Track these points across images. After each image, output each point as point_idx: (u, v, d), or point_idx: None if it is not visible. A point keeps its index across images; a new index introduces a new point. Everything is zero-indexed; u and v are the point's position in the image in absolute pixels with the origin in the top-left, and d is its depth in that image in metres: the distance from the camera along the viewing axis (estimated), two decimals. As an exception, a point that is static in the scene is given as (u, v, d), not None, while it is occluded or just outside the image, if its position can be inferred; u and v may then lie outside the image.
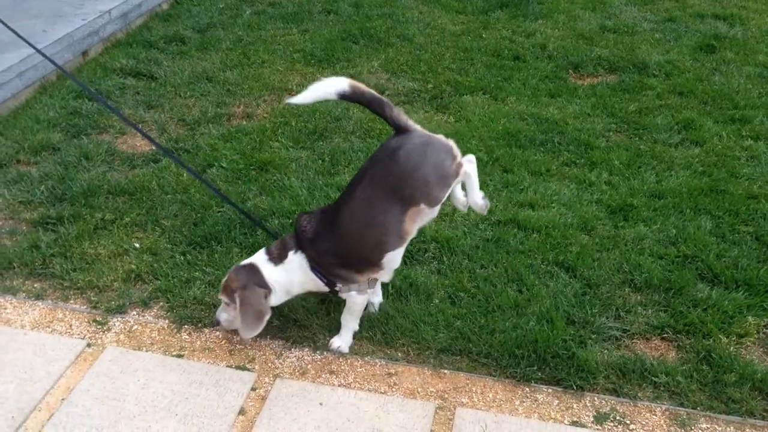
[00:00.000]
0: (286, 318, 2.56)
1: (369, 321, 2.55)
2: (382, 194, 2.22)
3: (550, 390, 2.33)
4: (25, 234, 2.93)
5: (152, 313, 2.60)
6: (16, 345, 2.42)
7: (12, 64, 3.76)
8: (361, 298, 2.39)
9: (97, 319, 2.56)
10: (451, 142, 2.28)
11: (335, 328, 2.53)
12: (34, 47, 3.05)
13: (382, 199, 2.22)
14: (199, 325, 2.55)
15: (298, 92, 3.81)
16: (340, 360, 2.44)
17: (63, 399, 2.24)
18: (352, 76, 4.38)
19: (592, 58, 4.83)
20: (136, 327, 2.54)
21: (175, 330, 2.54)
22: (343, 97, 2.24)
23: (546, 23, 5.50)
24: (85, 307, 2.61)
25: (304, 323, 2.55)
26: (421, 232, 2.95)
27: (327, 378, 2.37)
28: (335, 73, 4.50)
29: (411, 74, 4.51)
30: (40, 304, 2.61)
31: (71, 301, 2.63)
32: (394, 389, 2.33)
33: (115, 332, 2.52)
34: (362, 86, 2.25)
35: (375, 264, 2.31)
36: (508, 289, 2.71)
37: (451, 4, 5.80)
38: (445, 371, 2.40)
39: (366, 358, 2.45)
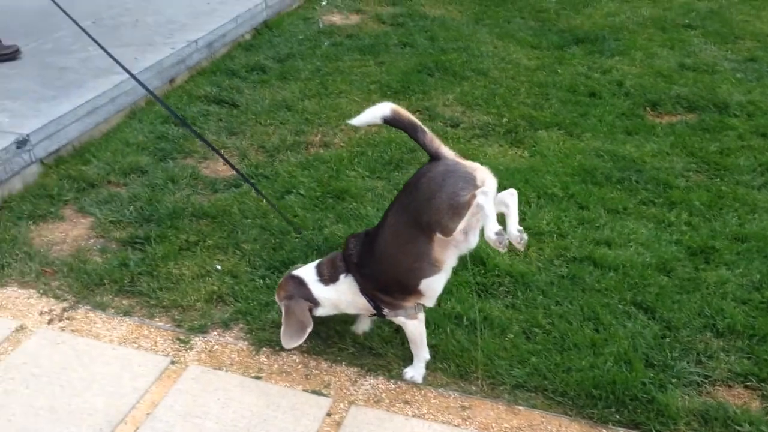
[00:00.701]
0: (361, 346, 2.60)
1: (444, 353, 2.56)
2: (409, 222, 2.25)
3: (627, 433, 2.30)
4: (115, 252, 3.05)
5: (232, 335, 2.67)
6: (105, 359, 2.52)
7: (106, 89, 3.95)
8: (412, 324, 2.42)
9: (181, 337, 2.64)
10: (478, 172, 2.21)
11: (409, 358, 2.55)
12: (129, 72, 3.21)
13: (409, 227, 2.25)
14: (277, 348, 2.61)
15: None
16: (414, 390, 2.46)
17: (148, 414, 2.32)
18: (426, 109, 4.46)
19: (671, 96, 4.77)
20: (216, 347, 2.62)
21: (254, 352, 2.60)
22: (386, 121, 2.32)
23: (623, 60, 5.47)
24: (169, 325, 2.70)
25: (379, 351, 2.58)
26: (496, 266, 2.96)
27: (401, 407, 2.39)
28: (410, 104, 4.60)
29: (486, 108, 4.54)
30: (127, 320, 2.72)
31: (156, 319, 2.73)
32: (468, 423, 2.34)
33: (197, 351, 2.60)
34: (402, 111, 2.32)
35: (413, 290, 2.34)
36: (584, 327, 2.69)
37: (526, 38, 5.82)
38: (520, 407, 2.39)
39: (440, 390, 2.46)
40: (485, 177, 2.20)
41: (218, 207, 3.36)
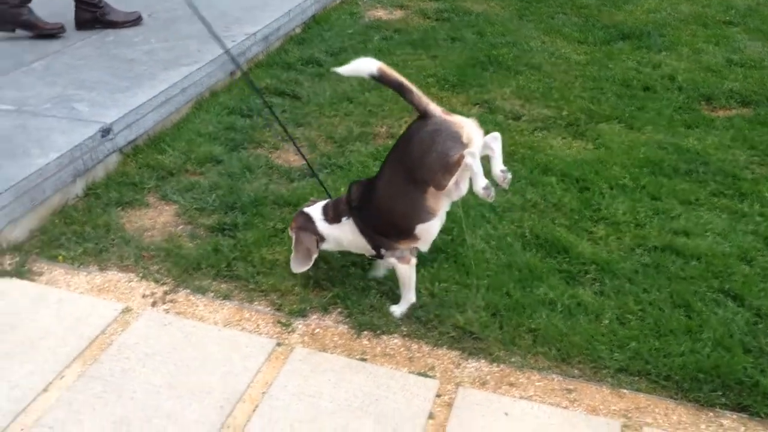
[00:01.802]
0: (461, 329, 2.65)
1: (543, 337, 2.61)
2: (402, 174, 2.48)
3: (735, 416, 2.34)
4: (205, 238, 3.11)
5: (332, 318, 2.73)
6: (213, 340, 2.58)
7: (176, 80, 4.00)
8: (403, 268, 2.64)
9: (282, 320, 2.70)
10: (464, 129, 2.38)
11: (510, 341, 2.61)
12: (227, 51, 3.26)
13: (402, 179, 2.47)
14: (378, 332, 2.66)
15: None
16: (518, 373, 2.51)
17: (263, 393, 2.37)
18: (486, 102, 4.51)
19: (724, 90, 4.81)
20: (318, 330, 2.67)
21: (355, 335, 2.66)
22: (373, 77, 2.47)
23: (670, 55, 5.51)
24: (269, 308, 2.75)
25: (479, 336, 2.63)
26: (580, 254, 3.01)
27: (507, 390, 2.45)
28: (468, 98, 4.65)
29: (544, 101, 4.59)
30: (227, 303, 2.77)
31: (256, 303, 2.78)
32: (575, 405, 2.39)
33: (299, 334, 2.65)
34: (388, 70, 2.46)
35: (409, 234, 2.57)
36: (676, 314, 2.74)
37: (572, 34, 5.86)
38: (625, 391, 2.44)
39: (543, 373, 2.51)
40: (471, 133, 2.39)
41: (298, 195, 3.41)
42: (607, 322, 2.68)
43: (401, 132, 4.14)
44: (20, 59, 4.32)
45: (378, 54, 5.26)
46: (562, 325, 2.64)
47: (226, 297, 2.79)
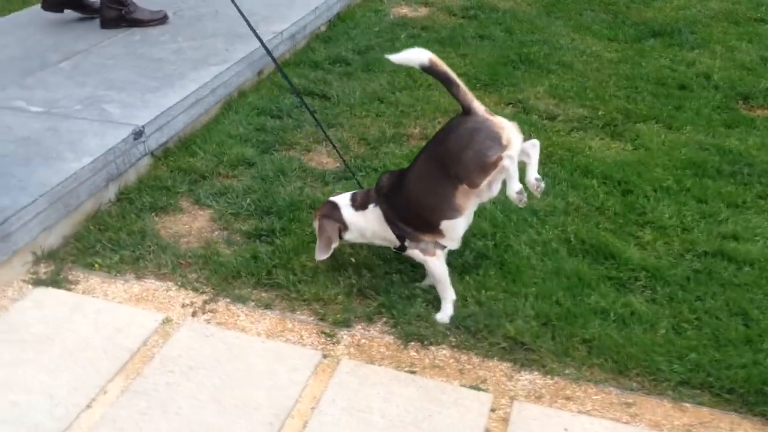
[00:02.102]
0: (513, 340, 2.56)
1: (599, 348, 2.52)
2: (436, 168, 2.47)
3: (804, 431, 2.25)
4: (242, 245, 3.03)
5: (377, 328, 2.65)
6: (256, 352, 2.50)
7: (206, 80, 3.92)
8: (431, 261, 2.61)
9: (325, 331, 2.62)
10: (505, 131, 2.36)
11: (563, 353, 2.52)
12: (265, 48, 3.19)
13: (436, 173, 2.47)
14: (425, 342, 2.58)
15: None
16: (574, 386, 2.43)
17: (312, 408, 2.29)
18: (519, 101, 4.41)
19: (761, 89, 4.71)
20: (363, 341, 2.59)
21: (402, 346, 2.57)
22: (423, 68, 2.47)
23: (703, 53, 5.40)
24: (312, 318, 2.67)
25: (531, 347, 2.55)
26: (628, 260, 2.92)
27: (563, 404, 2.36)
28: (501, 97, 4.55)
29: (579, 101, 4.49)
30: (269, 313, 2.69)
31: (298, 312, 2.70)
32: (636, 420, 2.30)
33: (345, 345, 2.57)
34: (440, 62, 2.46)
35: (435, 228, 2.55)
36: (734, 323, 2.64)
37: (602, 31, 5.76)
38: (687, 404, 2.35)
39: (600, 386, 2.42)
40: (511, 135, 2.37)
41: (335, 199, 3.32)
42: (663, 332, 2.59)
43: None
44: (46, 59, 4.25)
45: (406, 52, 5.16)
46: (617, 336, 2.55)
47: (268, 306, 2.71)
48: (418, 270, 2.83)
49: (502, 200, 3.26)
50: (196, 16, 5.11)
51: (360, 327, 2.65)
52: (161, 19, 4.93)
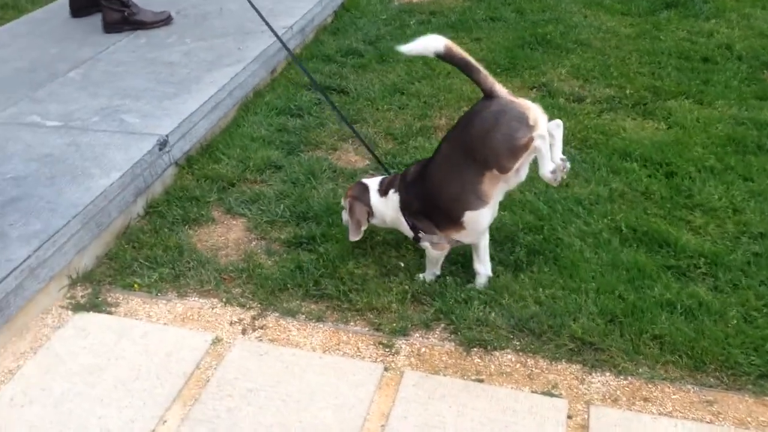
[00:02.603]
0: (581, 340, 2.46)
1: (671, 344, 2.42)
2: (461, 155, 2.38)
3: None
4: (283, 254, 2.92)
5: (436, 335, 2.54)
6: (315, 369, 2.39)
7: (224, 83, 3.78)
8: (435, 253, 2.60)
9: (383, 341, 2.51)
10: (531, 111, 2.29)
11: (634, 351, 2.43)
12: (284, 45, 3.10)
13: (461, 160, 2.39)
14: (489, 348, 2.47)
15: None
16: (650, 386, 2.33)
17: (382, 426, 2.19)
18: (544, 85, 4.28)
19: (786, 57, 4.59)
20: (423, 350, 2.49)
21: (464, 353, 2.47)
22: (439, 56, 2.38)
23: (719, 23, 5.29)
24: (366, 329, 2.57)
25: (600, 346, 2.45)
26: (684, 246, 2.81)
27: (642, 406, 2.26)
28: (524, 81, 4.43)
29: (604, 80, 4.37)
30: (321, 326, 2.58)
31: (352, 323, 2.59)
32: (720, 419, 2.21)
33: (405, 355, 2.47)
34: (456, 48, 2.38)
35: (455, 221, 2.48)
36: (805, 308, 2.54)
37: (614, 6, 5.63)
38: (769, 398, 2.25)
39: (676, 384, 2.33)
40: (537, 116, 2.30)
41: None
42: (734, 322, 2.49)
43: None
44: (54, 69, 4.10)
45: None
46: (687, 329, 2.45)
47: (319, 319, 2.59)
48: (470, 270, 2.72)
49: (543, 191, 3.17)
50: (201, 14, 4.95)
51: (418, 335, 2.54)
52: (165, 20, 4.79)
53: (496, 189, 2.43)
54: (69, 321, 2.59)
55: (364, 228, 2.67)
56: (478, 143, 2.34)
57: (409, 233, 2.62)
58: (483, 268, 2.68)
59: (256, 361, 2.42)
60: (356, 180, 2.89)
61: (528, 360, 2.43)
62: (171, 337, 2.51)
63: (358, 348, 2.50)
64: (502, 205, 3.12)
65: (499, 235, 2.96)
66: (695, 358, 2.38)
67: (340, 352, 2.47)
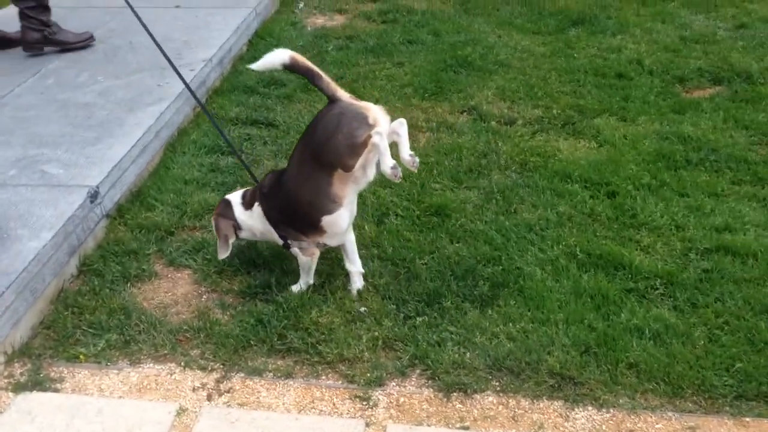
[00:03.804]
0: (560, 375, 2.44)
1: (647, 372, 2.44)
2: (310, 161, 2.49)
3: None
4: (238, 307, 2.76)
5: (413, 383, 2.46)
6: (294, 432, 2.26)
7: (149, 124, 3.57)
8: (305, 258, 2.69)
9: (359, 394, 2.41)
10: (370, 111, 2.43)
11: (612, 381, 2.43)
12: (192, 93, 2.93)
13: (311, 166, 2.49)
14: (468, 391, 2.41)
15: (429, 129, 3.77)
16: (633, 417, 2.34)
17: (376, 489, 2.08)
18: (474, 108, 4.30)
19: (692, 70, 4.84)
20: (402, 399, 2.40)
21: (444, 399, 2.40)
22: (286, 67, 2.53)
23: (625, 38, 5.51)
24: (340, 382, 2.46)
25: (578, 380, 2.44)
26: (638, 268, 2.86)
27: (630, 437, 2.25)
28: (453, 105, 4.44)
29: (530, 101, 4.44)
30: (292, 383, 2.46)
31: (323, 377, 2.48)
32: (706, 443, 2.22)
33: (384, 407, 2.38)
34: (300, 58, 2.53)
35: (315, 226, 2.59)
36: (763, 322, 2.62)
37: (525, 25, 5.77)
38: (747, 419, 2.31)
39: (657, 413, 2.35)
40: (377, 115, 2.43)
41: (322, 241, 3.09)
42: (701, 343, 2.54)
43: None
44: (-47, 117, 3.76)
45: (341, 66, 4.97)
46: (660, 355, 2.48)
47: (288, 375, 2.46)
48: (441, 310, 2.66)
49: (493, 219, 3.15)
50: (111, 49, 4.69)
51: (394, 384, 2.45)
52: (86, 40, 4.65)
53: (347, 190, 2.52)
54: (11, 404, 2.34)
55: (231, 241, 2.73)
56: (322, 146, 2.44)
57: (279, 241, 2.69)
58: (353, 266, 2.77)
59: (227, 430, 2.25)
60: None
61: (510, 401, 2.39)
62: (129, 412, 2.31)
63: (334, 404, 2.38)
64: (456, 237, 3.09)
65: (458, 269, 2.91)
66: (672, 384, 2.40)
67: (316, 410, 2.35)
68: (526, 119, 4.20)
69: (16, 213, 2.87)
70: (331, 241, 2.67)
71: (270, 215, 2.65)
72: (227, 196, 2.81)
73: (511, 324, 2.64)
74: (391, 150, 2.43)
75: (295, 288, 2.77)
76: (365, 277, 2.85)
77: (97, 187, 3.04)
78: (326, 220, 2.56)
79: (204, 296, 2.84)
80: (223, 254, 2.73)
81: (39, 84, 4.15)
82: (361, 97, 4.41)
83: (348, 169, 2.43)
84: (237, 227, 2.74)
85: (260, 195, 2.67)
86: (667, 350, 2.51)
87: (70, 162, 3.24)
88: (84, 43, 4.63)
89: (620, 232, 3.16)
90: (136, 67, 4.33)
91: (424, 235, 3.16)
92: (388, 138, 2.42)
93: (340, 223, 2.58)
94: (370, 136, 2.36)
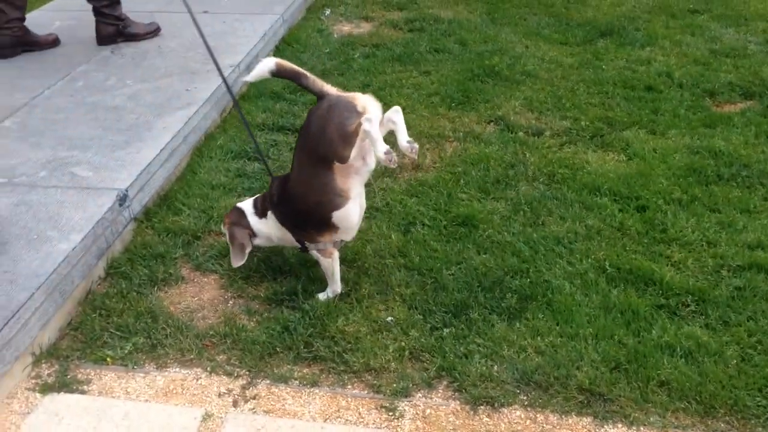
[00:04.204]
0: (589, 392, 2.40)
1: (678, 390, 2.40)
2: (307, 158, 2.52)
3: None
4: (264, 314, 2.75)
5: (439, 395, 2.44)
6: (320, 442, 2.24)
7: (178, 128, 3.59)
8: (326, 261, 2.68)
9: (384, 404, 2.39)
10: (358, 100, 2.45)
11: (642, 399, 2.39)
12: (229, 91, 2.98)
13: (312, 165, 2.51)
14: (496, 405, 2.39)
15: (455, 138, 3.74)
16: (663, 435, 2.28)
17: (402, 502, 2.05)
18: (501, 119, 4.27)
19: (723, 84, 4.76)
20: (428, 411, 2.38)
21: (471, 412, 2.38)
22: (273, 74, 2.55)
23: (654, 50, 5.44)
24: (366, 392, 2.44)
25: (608, 396, 2.40)
26: (670, 284, 2.81)
27: (660, 456, 2.21)
28: (480, 115, 4.41)
29: (558, 112, 4.40)
30: (317, 391, 2.44)
31: (349, 386, 2.46)
32: (738, 464, 2.18)
33: (410, 418, 2.35)
34: (285, 63, 2.57)
35: (327, 224, 2.58)
36: (797, 342, 2.57)
37: (552, 36, 5.72)
38: (782, 440, 2.25)
39: None
40: (366, 103, 2.45)
41: (348, 249, 3.09)
42: (734, 362, 2.49)
43: (426, 162, 3.87)
44: (-15, 118, 3.79)
45: (367, 73, 4.97)
46: (692, 373, 2.44)
47: (314, 384, 2.45)
48: (469, 321, 2.63)
49: (521, 230, 3.12)
50: (139, 53, 4.72)
51: (420, 395, 2.43)
52: (155, 31, 4.87)
53: (351, 182, 2.52)
54: (38, 405, 2.35)
55: (248, 251, 2.75)
56: (317, 141, 2.46)
57: (297, 245, 2.72)
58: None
59: (254, 437, 2.24)
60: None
61: (538, 416, 2.36)
62: (156, 416, 2.31)
63: (359, 414, 2.36)
64: (483, 248, 3.06)
65: (486, 280, 2.89)
66: (704, 403, 2.36)
67: (342, 420, 2.33)
68: (554, 130, 4.16)
69: (46, 214, 2.88)
70: (347, 236, 2.69)
71: (284, 222, 2.67)
72: (239, 204, 2.83)
73: (539, 338, 2.60)
74: (390, 140, 2.45)
75: (321, 296, 2.76)
76: (391, 287, 2.83)
77: (126, 190, 3.05)
78: (337, 216, 2.56)
79: (230, 302, 2.83)
80: (237, 262, 2.74)
81: (69, 87, 4.18)
82: (388, 107, 4.45)
83: (344, 160, 2.44)
84: (252, 235, 2.76)
85: (271, 203, 2.69)
86: (699, 369, 2.46)
87: (99, 165, 3.25)
88: (152, 34, 4.88)
89: (650, 247, 3.12)
90: (164, 71, 4.35)
91: (450, 245, 3.13)
92: (384, 127, 2.46)
93: (351, 217, 2.59)
94: (360, 124, 2.36)
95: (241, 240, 2.73)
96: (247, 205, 2.79)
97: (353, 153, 2.42)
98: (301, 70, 2.54)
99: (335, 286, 2.76)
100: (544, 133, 4.13)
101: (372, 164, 2.53)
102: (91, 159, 3.31)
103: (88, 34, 4.93)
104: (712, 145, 3.96)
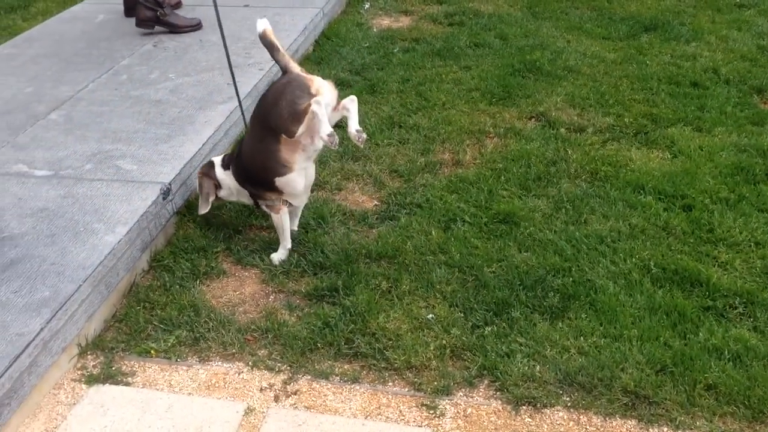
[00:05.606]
0: (634, 394, 2.36)
1: (727, 394, 2.34)
2: (260, 127, 2.72)
3: None
4: (305, 309, 2.76)
5: (481, 394, 2.42)
6: (362, 439, 2.23)
7: (220, 122, 3.61)
8: (276, 216, 2.87)
9: (425, 402, 2.38)
10: (313, 82, 2.62)
11: (689, 403, 2.34)
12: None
13: (262, 132, 2.70)
14: (538, 405, 2.36)
15: (496, 134, 3.69)
16: (710, 440, 2.24)
17: (444, 501, 2.04)
18: (542, 115, 4.22)
19: (772, 80, 4.63)
20: (470, 410, 2.36)
21: (513, 412, 2.35)
22: (259, 36, 2.75)
23: (700, 45, 5.33)
24: (406, 389, 2.43)
25: (654, 399, 2.35)
26: (717, 285, 2.75)
27: (707, 462, 2.17)
28: (521, 111, 4.36)
29: (601, 108, 4.33)
30: (358, 388, 2.43)
31: (390, 384, 2.45)
32: (789, 472, 2.12)
33: (451, 417, 2.34)
34: (268, 31, 2.74)
35: (271, 187, 2.80)
36: None
37: (594, 30, 5.63)
38: (834, 449, 2.19)
39: (738, 437, 2.24)
40: (320, 86, 2.61)
41: (388, 245, 3.08)
42: (786, 367, 2.42)
43: (467, 158, 3.85)
44: (32, 110, 3.87)
45: (407, 68, 4.95)
46: (740, 377, 2.38)
47: (355, 380, 2.44)
48: (510, 320, 2.60)
49: (563, 228, 3.08)
50: (181, 47, 4.76)
51: (462, 394, 2.41)
52: (195, 26, 4.91)
53: (297, 156, 2.71)
54: (84, 396, 2.38)
55: (212, 200, 2.98)
56: (269, 112, 2.63)
57: (251, 201, 2.94)
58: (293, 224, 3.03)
59: (295, 432, 2.25)
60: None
61: (581, 417, 2.33)
62: (199, 409, 2.32)
63: (400, 411, 2.36)
64: (524, 246, 3.03)
65: (527, 278, 2.86)
66: (752, 408, 2.31)
67: (383, 417, 2.33)
68: (597, 127, 4.10)
69: (92, 207, 2.92)
70: (293, 201, 2.90)
71: (237, 176, 2.88)
72: (212, 158, 3.05)
73: (582, 338, 2.57)
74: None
75: (275, 256, 2.93)
76: (431, 284, 2.82)
77: (170, 184, 3.08)
78: (279, 182, 2.76)
79: (271, 296, 2.85)
80: (203, 210, 2.99)
81: (113, 80, 4.22)
82: (427, 101, 4.43)
83: (290, 134, 2.60)
84: (217, 186, 2.96)
85: (231, 160, 2.92)
86: (747, 372, 2.41)
87: (143, 158, 3.29)
88: (193, 28, 4.92)
89: (696, 247, 3.06)
90: (205, 65, 4.38)
91: (491, 242, 3.11)
92: (339, 113, 2.66)
93: (294, 185, 2.78)
94: (309, 105, 2.51)
95: (207, 189, 2.97)
96: (218, 158, 3.00)
97: (300, 130, 2.57)
98: (277, 43, 2.72)
99: (285, 242, 2.92)
100: (587, 130, 4.07)
101: (319, 145, 2.67)
102: (135, 152, 3.35)
103: (131, 28, 4.99)
104: (760, 143, 3.87)
